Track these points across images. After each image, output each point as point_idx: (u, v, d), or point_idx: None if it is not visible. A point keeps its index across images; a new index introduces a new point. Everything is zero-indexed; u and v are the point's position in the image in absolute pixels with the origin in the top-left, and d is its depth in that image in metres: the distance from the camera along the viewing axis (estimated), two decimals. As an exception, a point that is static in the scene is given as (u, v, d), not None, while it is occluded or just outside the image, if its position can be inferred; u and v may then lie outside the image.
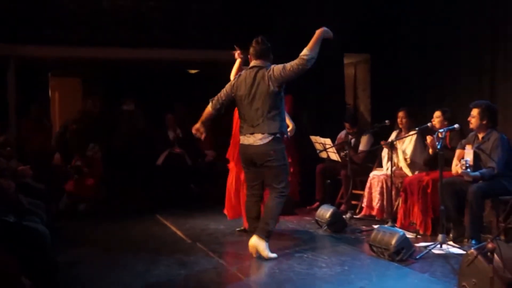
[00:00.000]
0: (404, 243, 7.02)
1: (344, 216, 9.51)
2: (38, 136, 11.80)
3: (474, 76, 10.00)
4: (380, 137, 10.25)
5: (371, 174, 9.94)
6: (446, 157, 8.10)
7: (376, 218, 9.70)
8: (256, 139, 7.31)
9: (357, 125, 11.00)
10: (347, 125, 10.94)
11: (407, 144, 9.52)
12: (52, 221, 7.08)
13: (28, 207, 6.18)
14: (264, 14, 11.90)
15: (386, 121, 9.83)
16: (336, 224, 8.96)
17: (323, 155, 10.58)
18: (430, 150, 8.77)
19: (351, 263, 7.03)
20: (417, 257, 7.10)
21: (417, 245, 7.66)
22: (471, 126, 8.03)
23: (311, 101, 11.80)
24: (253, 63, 7.52)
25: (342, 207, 10.37)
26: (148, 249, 7.95)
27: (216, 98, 7.70)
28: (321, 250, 7.79)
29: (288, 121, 8.30)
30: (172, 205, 11.10)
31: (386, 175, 9.47)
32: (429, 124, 8.80)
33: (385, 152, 9.74)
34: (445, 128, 8.05)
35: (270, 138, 7.29)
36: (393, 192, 9.25)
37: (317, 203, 10.73)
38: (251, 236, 7.41)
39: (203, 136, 7.81)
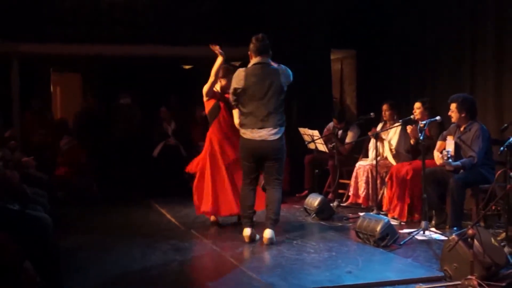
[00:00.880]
0: (389, 230, 7.03)
1: (331, 204, 9.52)
2: (40, 127, 11.84)
3: (454, 69, 10.02)
4: (366, 129, 10.27)
5: (357, 164, 9.93)
6: (428, 145, 8.17)
7: (362, 206, 9.69)
8: (269, 133, 7.24)
9: (344, 121, 10.98)
10: (335, 120, 10.94)
11: (392, 135, 9.52)
12: (53, 209, 7.06)
13: (32, 196, 6.16)
14: (255, 11, 11.88)
15: (371, 114, 9.82)
16: (324, 212, 8.97)
17: (312, 146, 10.57)
18: (412, 140, 8.79)
19: (339, 249, 7.02)
20: (401, 243, 7.09)
21: (401, 231, 7.65)
22: (452, 120, 8.01)
23: (300, 95, 11.78)
24: (256, 59, 7.38)
25: (330, 196, 10.36)
26: (145, 235, 7.95)
27: (233, 103, 7.62)
28: (310, 237, 7.76)
29: None
30: (167, 194, 11.05)
31: (372, 165, 9.47)
32: (412, 116, 8.80)
33: (372, 143, 9.74)
34: (427, 120, 8.06)
35: (281, 132, 7.31)
36: (378, 181, 9.25)
37: (306, 192, 10.76)
38: (247, 224, 7.43)
39: None
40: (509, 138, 6.79)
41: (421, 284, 5.56)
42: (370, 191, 9.57)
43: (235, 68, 7.89)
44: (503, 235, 6.94)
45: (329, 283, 5.63)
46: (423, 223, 7.54)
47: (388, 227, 7.03)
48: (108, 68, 13.80)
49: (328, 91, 12.80)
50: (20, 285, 4.41)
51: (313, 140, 10.40)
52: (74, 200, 10.65)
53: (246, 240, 7.35)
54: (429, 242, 7.20)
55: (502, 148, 6.75)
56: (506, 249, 6.15)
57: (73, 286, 5.66)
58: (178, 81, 14.01)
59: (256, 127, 7.28)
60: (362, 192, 9.68)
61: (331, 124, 11.04)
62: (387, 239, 6.97)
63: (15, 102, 11.61)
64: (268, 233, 7.25)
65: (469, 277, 5.18)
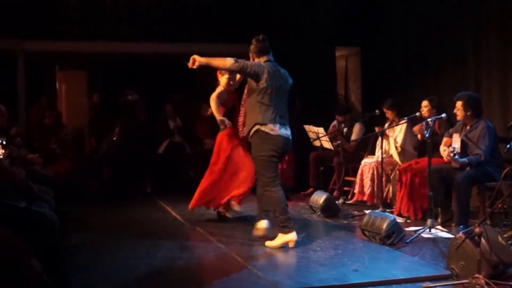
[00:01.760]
0: (395, 228, 6.98)
1: (337, 202, 9.50)
2: (46, 123, 11.88)
3: (459, 66, 10.00)
4: (370, 126, 10.23)
5: (363, 162, 9.89)
6: (437, 142, 8.16)
7: (367, 204, 9.66)
8: (288, 132, 7.12)
9: (347, 113, 10.92)
10: (337, 116, 10.92)
11: (397, 133, 9.47)
12: (59, 206, 7.04)
13: (37, 193, 6.14)
14: (259, 8, 11.88)
15: (376, 111, 9.80)
16: (330, 210, 8.94)
17: (317, 143, 10.53)
18: (419, 136, 8.75)
19: (344, 246, 6.98)
20: (407, 241, 7.05)
21: (407, 229, 7.60)
22: (458, 118, 7.96)
23: (304, 92, 11.75)
24: (263, 58, 7.11)
25: (335, 193, 10.33)
26: (150, 233, 7.93)
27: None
28: (316, 235, 7.74)
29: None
30: (172, 192, 11.05)
31: (377, 162, 9.43)
32: (417, 114, 8.75)
33: (378, 141, 9.70)
34: (433, 118, 8.00)
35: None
36: (384, 179, 9.22)
37: (311, 189, 10.74)
38: (292, 227, 7.05)
39: None
40: (515, 136, 6.77)
41: (428, 282, 5.51)
42: (376, 189, 9.53)
43: None
44: (510, 233, 6.91)
45: (335, 281, 5.59)
46: (429, 221, 7.48)
47: (394, 225, 6.98)
48: (112, 65, 13.80)
49: (333, 88, 12.81)
50: (27, 283, 4.39)
51: (318, 138, 10.36)
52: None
53: (292, 245, 6.96)
54: (435, 240, 7.16)
55: (508, 146, 6.72)
56: (513, 247, 6.11)
57: (78, 283, 5.62)
58: (182, 79, 13.98)
59: (285, 123, 7.08)
60: (367, 189, 9.63)
61: (336, 122, 11.00)
62: (393, 237, 6.93)
63: (20, 99, 11.63)
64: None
65: (476, 275, 5.13)
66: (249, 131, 7.12)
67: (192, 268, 6.31)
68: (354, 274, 5.83)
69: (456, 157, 7.52)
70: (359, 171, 9.86)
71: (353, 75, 13.60)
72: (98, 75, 14.47)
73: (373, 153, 10.07)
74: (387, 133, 9.47)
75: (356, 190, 9.89)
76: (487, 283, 5.06)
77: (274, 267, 6.30)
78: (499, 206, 7.67)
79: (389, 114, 9.67)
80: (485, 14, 9.46)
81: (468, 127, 7.89)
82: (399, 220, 7.89)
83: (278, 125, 6.97)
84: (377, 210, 8.43)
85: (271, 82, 6.98)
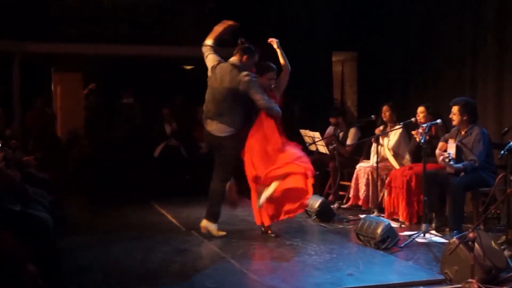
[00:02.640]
0: (389, 232, 7.03)
1: (332, 206, 9.53)
2: (41, 125, 11.89)
3: (455, 72, 10.08)
4: (366, 131, 10.28)
5: (358, 166, 9.92)
6: (436, 146, 8.21)
7: (362, 208, 9.68)
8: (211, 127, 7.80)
9: (339, 115, 10.97)
10: (330, 118, 10.99)
11: (391, 137, 9.52)
12: (54, 209, 7.06)
13: (33, 196, 6.16)
14: (257, 12, 11.91)
15: (372, 116, 9.84)
16: (325, 214, 8.96)
17: (312, 148, 10.58)
18: (418, 139, 8.79)
19: (339, 251, 7.02)
20: (402, 245, 7.10)
21: (401, 234, 7.66)
22: (454, 123, 8.01)
23: (301, 96, 11.81)
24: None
25: (330, 198, 10.37)
26: (146, 236, 7.93)
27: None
28: (311, 239, 7.77)
29: None
30: (168, 195, 11.05)
31: (372, 167, 9.47)
32: (413, 119, 8.79)
33: (373, 147, 9.73)
34: (428, 123, 8.06)
35: None
36: (378, 183, 9.27)
37: (306, 194, 10.75)
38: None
39: None
40: (509, 142, 6.84)
41: (422, 287, 5.57)
42: (370, 193, 9.57)
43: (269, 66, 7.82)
44: (503, 238, 6.97)
45: (330, 285, 5.63)
46: (423, 226, 7.54)
47: (388, 230, 7.03)
48: (109, 68, 13.83)
49: (329, 93, 12.83)
50: (22, 286, 4.42)
51: (314, 142, 10.40)
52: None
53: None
54: (429, 245, 7.21)
55: (502, 152, 6.80)
56: (506, 253, 6.15)
57: (73, 286, 5.66)
58: (181, 82, 14.03)
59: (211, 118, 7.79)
60: (362, 194, 9.67)
61: (332, 127, 11.04)
62: (388, 242, 6.98)
63: (16, 101, 11.64)
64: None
65: (470, 280, 5.19)
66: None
67: (187, 271, 6.33)
68: (349, 278, 5.88)
69: (451, 162, 7.57)
70: (354, 176, 9.89)
71: (350, 80, 13.64)
72: (94, 77, 14.49)
73: (368, 158, 10.10)
74: (381, 141, 9.50)
75: (351, 194, 9.92)
76: (480, 288, 5.12)
77: (270, 271, 6.32)
78: (493, 211, 7.72)
79: (387, 114, 9.67)
80: (483, 19, 9.52)
81: (463, 133, 7.94)
82: (394, 224, 7.93)
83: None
84: (372, 215, 8.48)
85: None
